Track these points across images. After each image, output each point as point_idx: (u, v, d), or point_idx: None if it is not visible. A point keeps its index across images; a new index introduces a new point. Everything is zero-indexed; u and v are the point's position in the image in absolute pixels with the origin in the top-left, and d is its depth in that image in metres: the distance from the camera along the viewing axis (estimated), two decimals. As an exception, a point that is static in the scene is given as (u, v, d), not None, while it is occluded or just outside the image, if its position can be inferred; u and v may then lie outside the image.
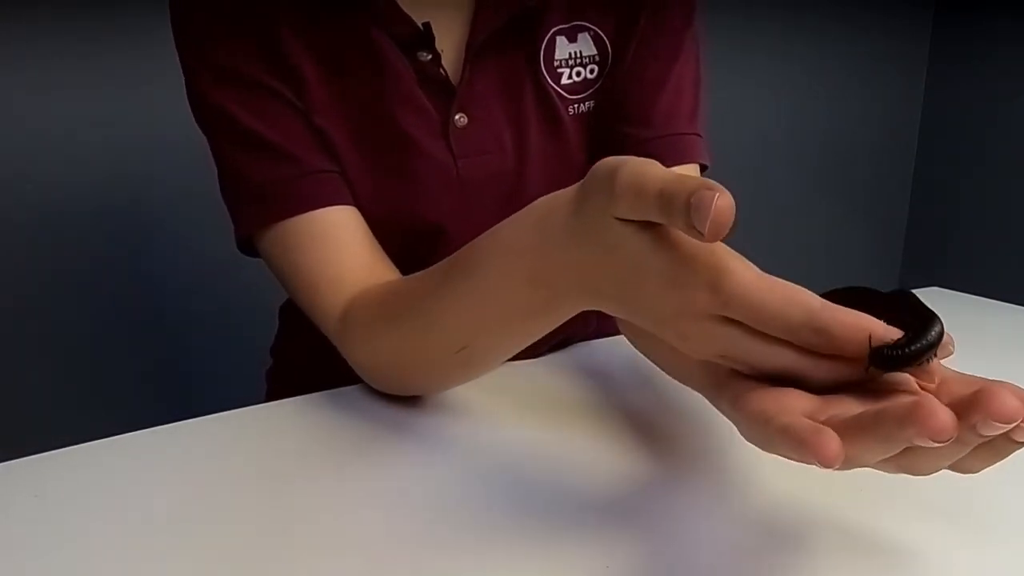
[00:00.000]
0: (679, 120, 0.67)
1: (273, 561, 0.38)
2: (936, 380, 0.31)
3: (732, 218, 0.29)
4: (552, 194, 0.41)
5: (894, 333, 0.30)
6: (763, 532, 0.39)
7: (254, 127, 0.59)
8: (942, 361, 0.33)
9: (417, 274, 0.52)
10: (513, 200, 0.67)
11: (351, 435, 0.51)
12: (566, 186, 0.68)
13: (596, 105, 0.68)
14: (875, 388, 0.32)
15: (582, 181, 0.38)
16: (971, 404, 0.26)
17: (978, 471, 0.29)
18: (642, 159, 0.34)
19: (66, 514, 0.42)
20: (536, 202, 0.42)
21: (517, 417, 0.54)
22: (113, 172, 1.30)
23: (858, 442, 0.27)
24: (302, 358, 0.78)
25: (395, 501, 0.43)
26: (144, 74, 1.27)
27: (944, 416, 0.25)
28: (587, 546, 0.38)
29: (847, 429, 0.28)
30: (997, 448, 0.28)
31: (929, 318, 0.31)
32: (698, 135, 0.68)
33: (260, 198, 0.60)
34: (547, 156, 0.67)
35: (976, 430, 0.26)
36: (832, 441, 0.26)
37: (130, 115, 1.29)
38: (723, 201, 0.29)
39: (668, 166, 0.70)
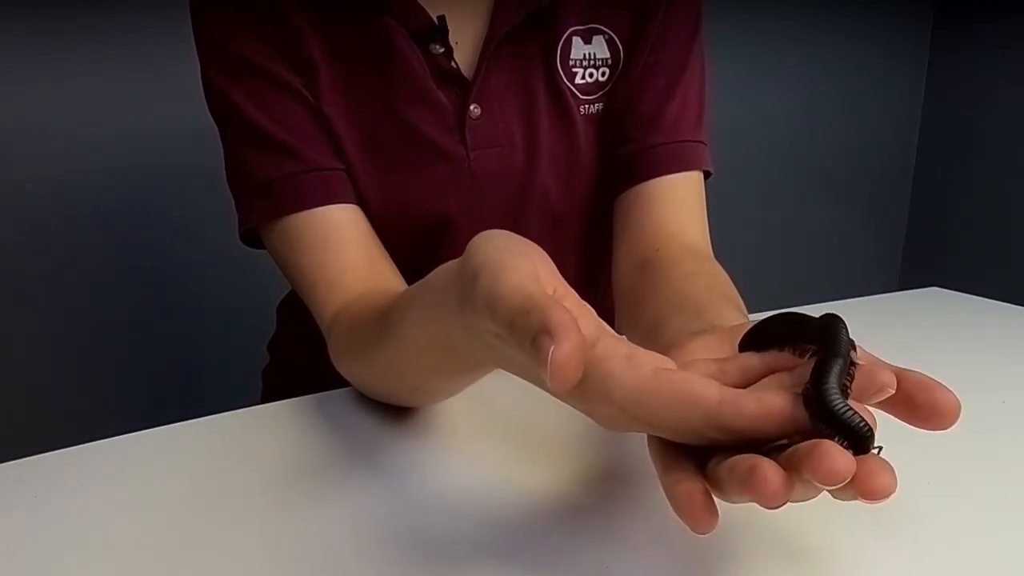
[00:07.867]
0: (685, 128, 0.68)
1: (267, 563, 0.38)
2: (892, 390, 0.29)
3: (577, 368, 0.27)
4: (445, 267, 0.38)
5: (799, 412, 0.28)
6: (762, 535, 0.39)
7: (262, 121, 0.60)
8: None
9: (380, 308, 0.50)
10: (521, 195, 0.68)
11: (342, 441, 0.51)
12: (575, 184, 0.70)
13: (604, 108, 0.68)
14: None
15: (462, 261, 0.34)
16: (804, 460, 0.26)
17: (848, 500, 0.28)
18: (500, 264, 0.31)
19: (65, 514, 0.42)
20: (434, 275, 0.40)
21: (514, 418, 0.54)
22: (112, 168, 1.30)
23: (718, 493, 0.29)
24: (299, 356, 0.78)
25: (391, 504, 0.43)
26: (144, 70, 1.27)
27: (776, 485, 0.26)
28: (587, 546, 0.38)
29: (710, 482, 0.29)
30: (845, 491, 0.26)
31: (826, 366, 0.28)
32: (703, 143, 0.69)
33: (265, 192, 0.60)
34: (556, 153, 0.68)
35: (811, 483, 0.26)
36: (702, 515, 0.28)
37: (129, 112, 1.29)
38: (560, 353, 0.26)
39: (674, 172, 0.69)
